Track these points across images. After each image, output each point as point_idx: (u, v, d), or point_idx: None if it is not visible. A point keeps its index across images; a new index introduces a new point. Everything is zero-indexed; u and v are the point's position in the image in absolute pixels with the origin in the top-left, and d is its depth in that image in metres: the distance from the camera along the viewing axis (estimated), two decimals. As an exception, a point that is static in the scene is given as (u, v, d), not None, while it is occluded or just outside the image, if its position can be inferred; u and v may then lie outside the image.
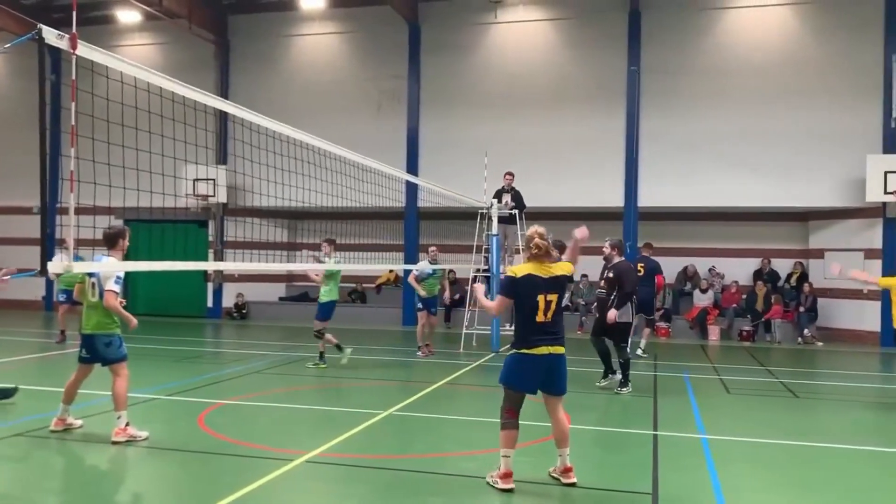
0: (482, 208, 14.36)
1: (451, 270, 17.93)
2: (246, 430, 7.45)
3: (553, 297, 5.55)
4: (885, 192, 15.33)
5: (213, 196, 19.20)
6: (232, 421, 7.92)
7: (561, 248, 11.00)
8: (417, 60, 19.02)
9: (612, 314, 9.51)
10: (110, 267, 6.56)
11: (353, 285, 20.65)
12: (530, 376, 5.56)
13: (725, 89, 17.07)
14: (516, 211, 14.58)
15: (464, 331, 14.29)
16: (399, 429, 7.70)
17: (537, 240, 5.59)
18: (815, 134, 16.46)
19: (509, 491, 5.41)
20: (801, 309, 16.75)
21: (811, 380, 12.18)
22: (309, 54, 20.17)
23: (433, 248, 13.40)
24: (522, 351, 5.55)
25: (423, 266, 13.07)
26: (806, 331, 16.62)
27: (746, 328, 17.00)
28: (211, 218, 20.41)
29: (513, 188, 14.66)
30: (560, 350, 5.60)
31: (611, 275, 9.69)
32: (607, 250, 9.87)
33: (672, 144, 17.27)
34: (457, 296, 18.39)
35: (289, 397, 9.39)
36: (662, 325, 17.22)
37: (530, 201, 14.92)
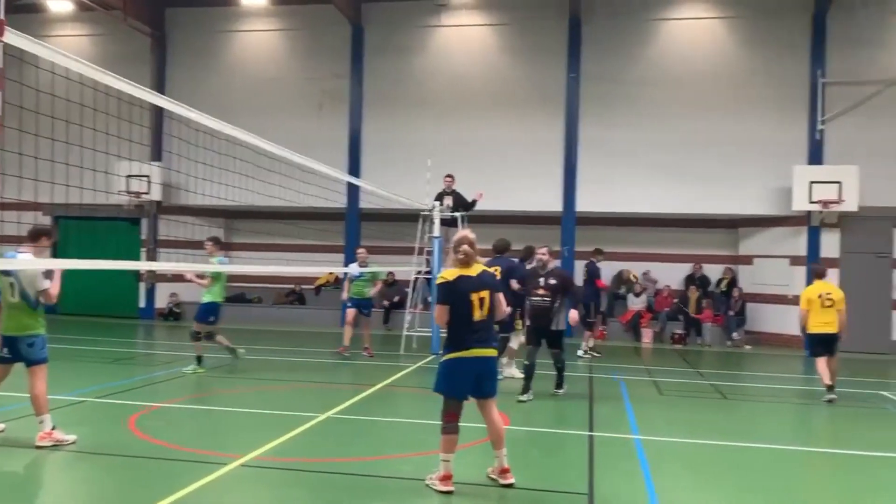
0: (424, 210, 14.37)
1: (390, 272, 17.87)
2: (179, 433, 7.27)
3: (485, 294, 5.65)
4: (811, 202, 15.96)
5: (147, 193, 18.69)
6: (164, 424, 7.72)
7: (517, 252, 11.17)
8: (360, 61, 18.90)
9: (575, 314, 9.62)
10: (27, 265, 6.30)
11: (291, 286, 20.38)
12: (463, 381, 5.61)
13: (661, 99, 17.52)
14: (458, 214, 14.64)
15: (404, 333, 14.26)
16: (338, 431, 7.63)
17: (465, 247, 5.65)
18: (746, 144, 17.05)
19: (448, 493, 5.43)
20: (731, 313, 17.34)
21: (739, 382, 12.59)
22: (249, 51, 19.83)
23: (361, 251, 13.48)
24: (454, 356, 5.60)
25: (353, 269, 13.14)
26: (735, 334, 17.23)
27: (678, 331, 17.48)
28: (144, 216, 19.85)
29: (454, 190, 14.71)
30: (491, 353, 5.74)
31: (552, 281, 9.45)
32: (545, 257, 9.64)
33: (609, 151, 17.61)
34: (396, 298, 18.33)
35: (224, 400, 9.21)
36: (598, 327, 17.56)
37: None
